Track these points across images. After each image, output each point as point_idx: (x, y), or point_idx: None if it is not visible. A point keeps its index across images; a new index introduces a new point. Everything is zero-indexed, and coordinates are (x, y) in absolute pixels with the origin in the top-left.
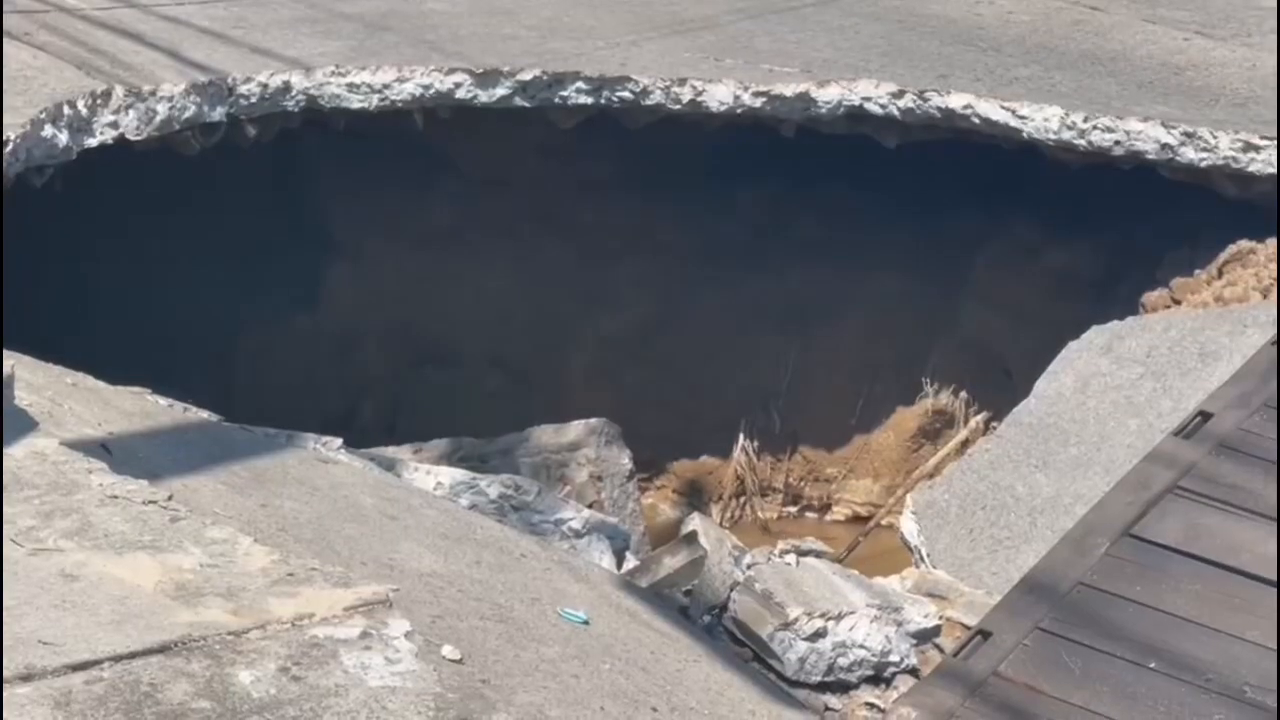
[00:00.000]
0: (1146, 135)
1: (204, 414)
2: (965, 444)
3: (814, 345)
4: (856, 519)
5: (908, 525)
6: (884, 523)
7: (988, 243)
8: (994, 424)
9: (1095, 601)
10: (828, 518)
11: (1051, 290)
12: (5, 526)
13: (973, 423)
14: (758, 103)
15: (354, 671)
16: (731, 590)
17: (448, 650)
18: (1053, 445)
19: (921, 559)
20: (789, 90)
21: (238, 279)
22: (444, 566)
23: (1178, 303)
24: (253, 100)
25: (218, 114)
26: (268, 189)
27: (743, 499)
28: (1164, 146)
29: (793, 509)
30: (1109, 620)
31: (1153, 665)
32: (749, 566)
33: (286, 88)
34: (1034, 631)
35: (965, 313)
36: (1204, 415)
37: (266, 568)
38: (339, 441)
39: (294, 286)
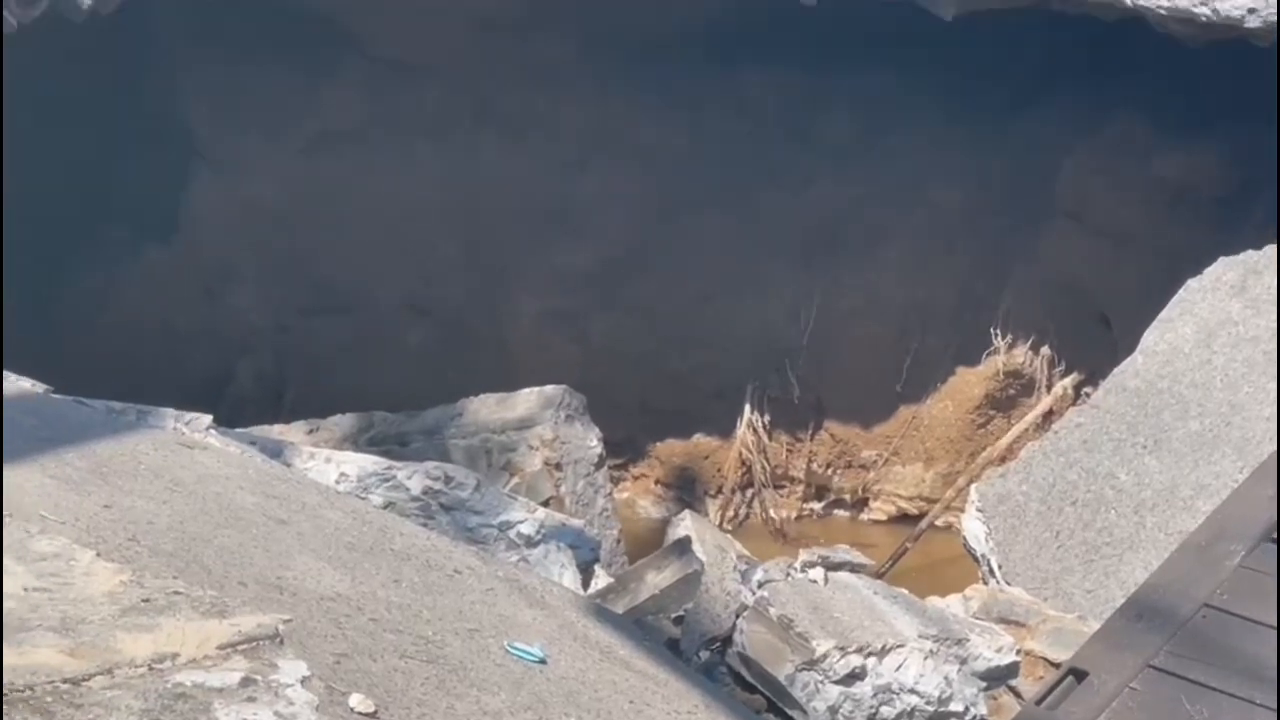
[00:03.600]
0: None
1: (25, 383)
2: (1048, 417)
3: (844, 283)
4: (903, 518)
5: (972, 527)
6: (940, 523)
7: (1078, 145)
8: (1087, 390)
9: (1226, 628)
10: (864, 516)
11: (1164, 208)
12: None
13: (1059, 388)
14: None
15: None
16: (738, 617)
17: (357, 701)
18: (1167, 418)
19: (991, 572)
20: None
21: (66, 198)
22: (351, 587)
23: None
24: None
25: None
26: (106, 77)
27: (750, 492)
28: None
29: (817, 505)
30: (1244, 654)
31: None
32: (761, 585)
33: None
34: (1145, 671)
35: (1047, 238)
36: None
37: (114, 592)
38: (208, 419)
39: (142, 207)
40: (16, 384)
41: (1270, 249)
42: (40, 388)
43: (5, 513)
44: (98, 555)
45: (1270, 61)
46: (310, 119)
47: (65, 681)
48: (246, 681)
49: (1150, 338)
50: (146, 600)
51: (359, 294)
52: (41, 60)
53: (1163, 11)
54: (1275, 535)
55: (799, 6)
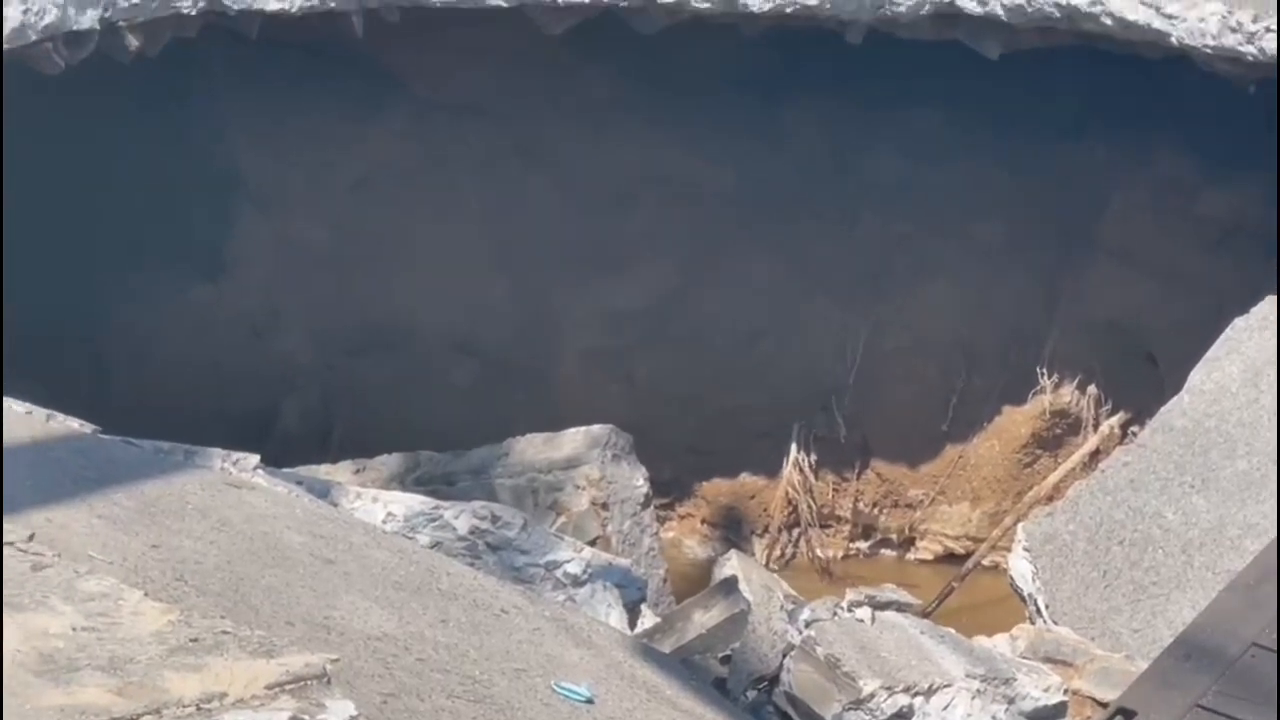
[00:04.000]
0: None
1: (74, 423)
2: (1095, 456)
3: (891, 321)
4: (949, 558)
5: (1019, 566)
6: (986, 562)
7: (1124, 183)
8: (1134, 429)
9: (1275, 668)
10: (911, 556)
11: (1210, 247)
12: None
13: (1105, 427)
14: None
15: None
16: (785, 656)
17: None
18: (1214, 457)
19: (1038, 611)
20: None
21: (116, 239)
22: (398, 627)
23: None
24: (134, 1)
25: (88, 19)
26: (155, 118)
27: (796, 531)
28: None
29: (864, 545)
30: None
31: None
32: (808, 624)
33: None
34: (1193, 711)
35: (1094, 277)
36: None
37: (162, 631)
38: (255, 459)
39: (191, 248)
40: (65, 424)
41: None
42: (89, 428)
43: (54, 553)
44: (145, 595)
45: None
46: (356, 159)
47: None
48: None
49: (1197, 376)
50: (194, 640)
51: (405, 333)
52: (89, 101)
53: (1208, 50)
54: None
55: (843, 44)
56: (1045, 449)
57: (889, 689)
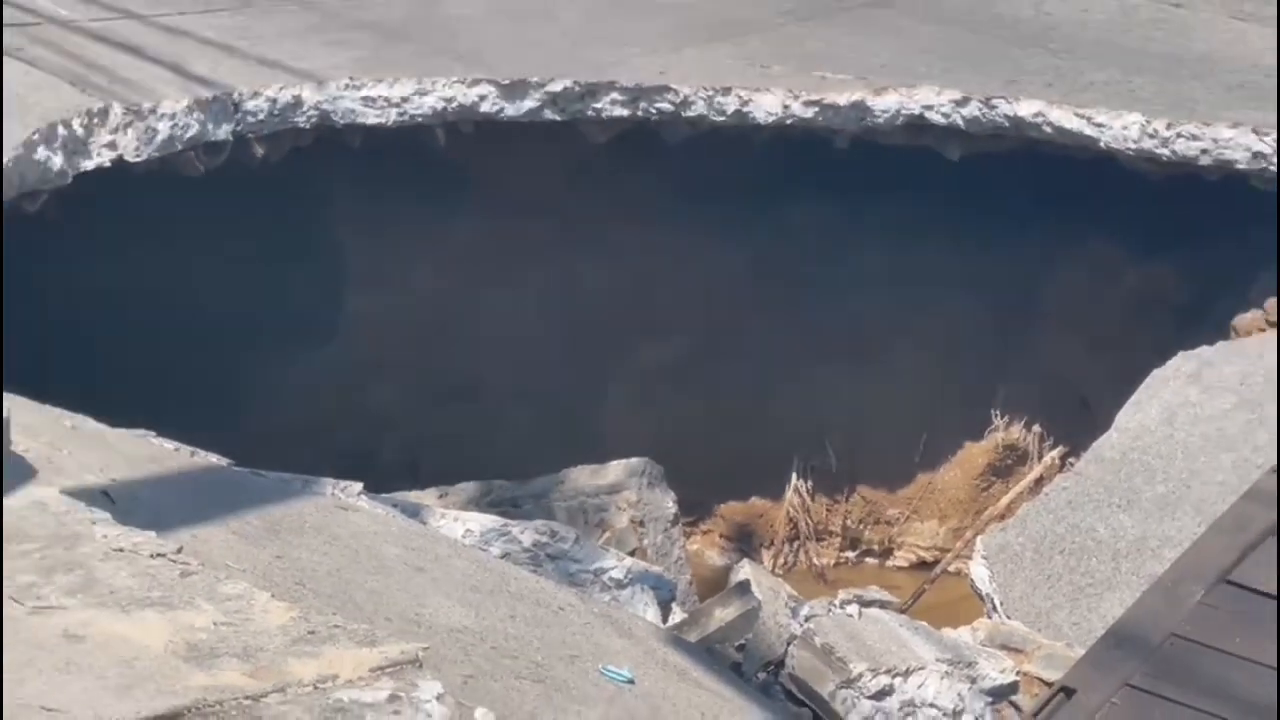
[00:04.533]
0: (1237, 143)
1: (213, 458)
2: (1040, 482)
3: (873, 376)
4: (921, 565)
5: (978, 571)
6: (952, 569)
7: (1061, 263)
8: (1071, 460)
9: (1190, 654)
10: (890, 564)
11: (1132, 313)
12: (4, 583)
13: (1048, 458)
14: (809, 113)
15: None
16: (789, 645)
17: (481, 713)
18: (1137, 483)
19: (994, 608)
20: (843, 99)
21: (246, 309)
22: (475, 621)
23: (1272, 326)
24: (260, 117)
25: (223, 132)
26: (278, 212)
27: (796, 544)
28: (1256, 155)
29: (851, 554)
30: (1205, 675)
31: None
32: (807, 619)
33: (297, 103)
34: (1122, 689)
35: (1038, 339)
36: None
37: (285, 625)
38: (358, 486)
39: (307, 317)
40: (205, 458)
41: (1221, 344)
42: (225, 462)
43: (198, 562)
44: (272, 596)
45: (1218, 191)
46: (437, 245)
47: (247, 698)
48: (393, 698)
49: (1123, 417)
50: (311, 632)
51: (480, 386)
52: (223, 198)
53: (1130, 152)
54: (1229, 577)
55: (833, 149)
56: (998, 476)
57: (873, 671)
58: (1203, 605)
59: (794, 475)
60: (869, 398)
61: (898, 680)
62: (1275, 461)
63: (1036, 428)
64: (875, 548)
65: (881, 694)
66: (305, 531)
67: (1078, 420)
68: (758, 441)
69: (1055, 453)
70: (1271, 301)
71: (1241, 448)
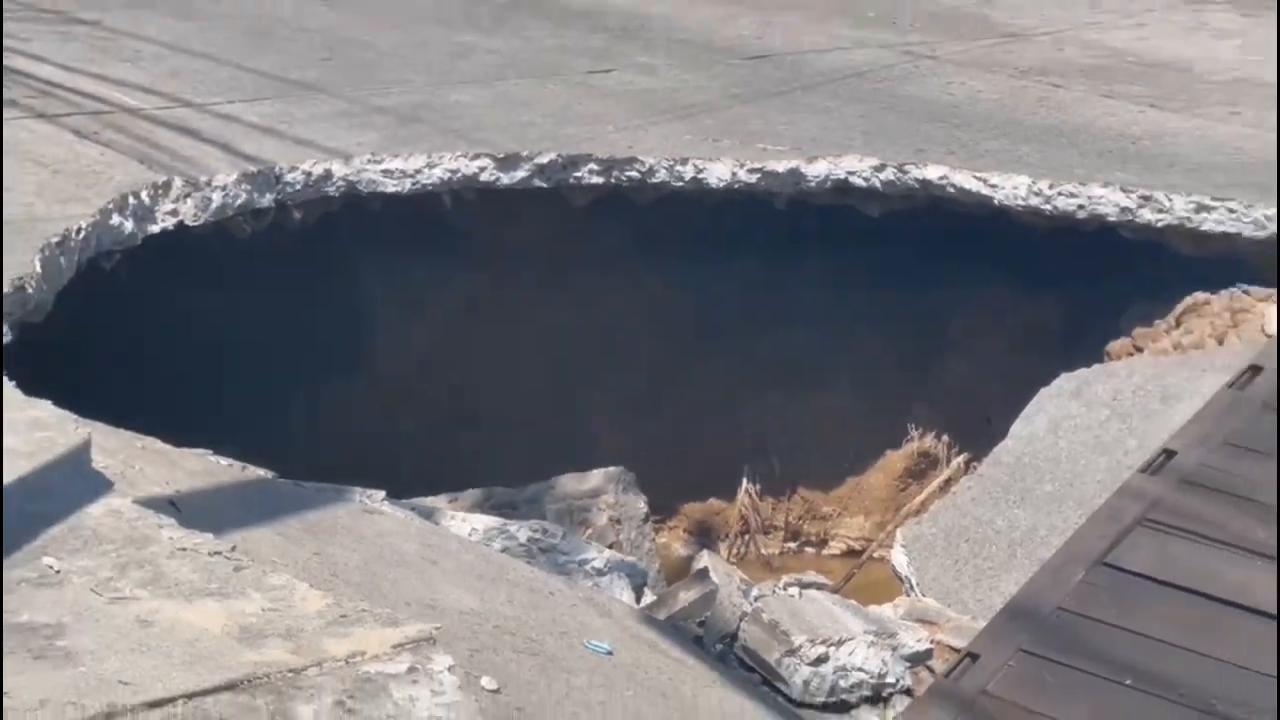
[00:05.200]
0: (1107, 199)
1: (261, 471)
2: (948, 482)
3: (809, 399)
4: (851, 553)
5: (898, 557)
6: (876, 556)
7: (964, 300)
8: (974, 464)
9: (1073, 625)
10: (825, 552)
11: (1023, 342)
12: (86, 578)
13: (955, 463)
14: (753, 179)
15: (403, 704)
16: (741, 620)
17: (486, 681)
18: (1029, 482)
19: (912, 588)
20: (780, 167)
21: (287, 349)
22: (480, 605)
23: (1140, 350)
24: (298, 187)
25: (266, 200)
26: (313, 267)
27: (747, 537)
28: (1123, 209)
29: (793, 545)
30: (1086, 642)
31: (1127, 682)
32: (756, 599)
33: (328, 175)
34: (1017, 653)
35: (945, 364)
36: (1168, 453)
37: (322, 610)
38: (383, 494)
39: (338, 355)
40: (254, 472)
41: (1097, 366)
42: (271, 475)
43: (249, 559)
44: (310, 586)
45: (1092, 239)
46: (445, 293)
47: (290, 671)
48: (411, 670)
49: (1016, 428)
50: (343, 616)
51: (484, 409)
52: (267, 256)
53: (1019, 208)
54: (1105, 560)
55: (773, 209)
56: (914, 479)
57: (812, 641)
58: (1083, 584)
59: (744, 480)
60: (805, 415)
61: (832, 649)
62: (1141, 465)
63: (945, 438)
64: (813, 539)
65: (818, 661)
66: (338, 532)
67: (979, 432)
68: (714, 453)
69: (961, 458)
70: (1138, 330)
71: (1115, 452)
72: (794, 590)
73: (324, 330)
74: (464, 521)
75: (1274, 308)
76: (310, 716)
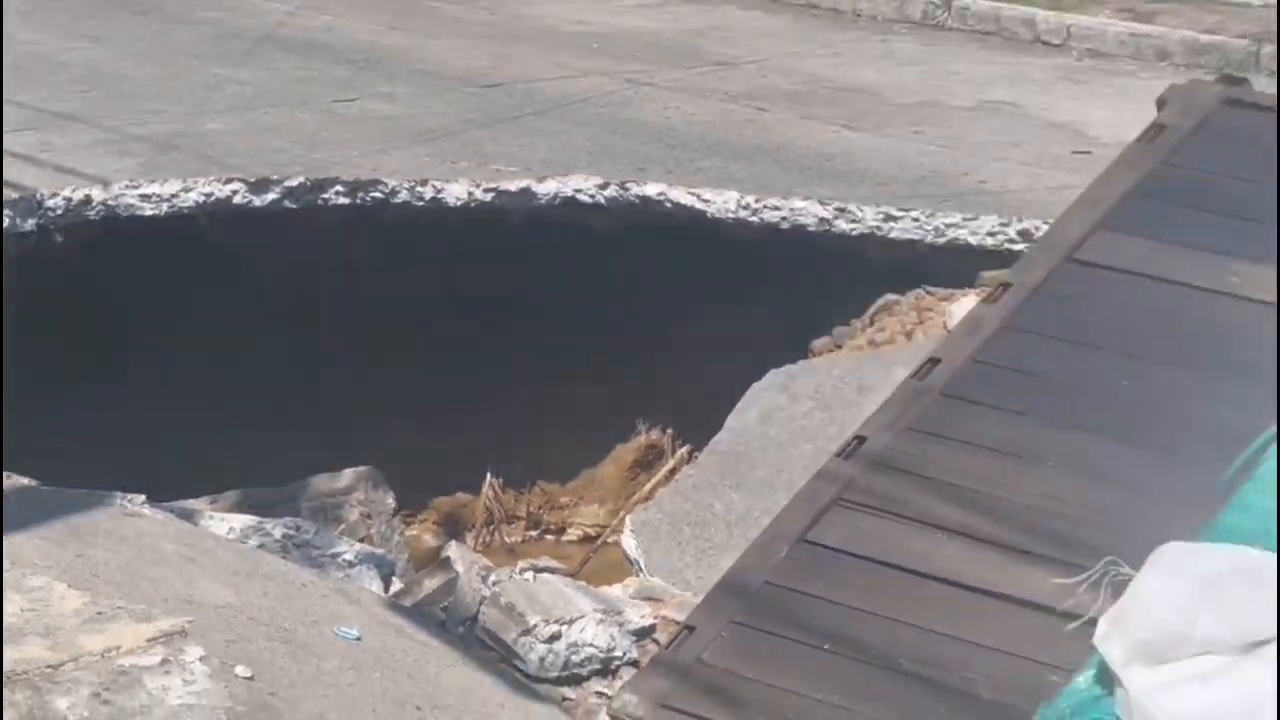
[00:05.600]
0: (807, 211)
1: (23, 480)
2: (673, 472)
3: (546, 399)
4: (587, 538)
5: (628, 541)
6: (610, 540)
7: (683, 306)
8: (696, 454)
9: (779, 598)
10: (564, 539)
11: (737, 342)
12: None
13: (679, 454)
14: (488, 197)
15: (156, 693)
16: (480, 604)
17: (240, 669)
18: (743, 469)
19: (640, 569)
20: (513, 186)
21: (55, 360)
22: (236, 598)
23: (839, 347)
24: (60, 212)
25: (29, 225)
26: (75, 286)
27: (492, 527)
28: (821, 220)
29: (534, 533)
30: (791, 612)
31: (827, 647)
32: (494, 583)
33: (88, 200)
34: (730, 624)
35: (669, 364)
36: (859, 439)
37: (79, 609)
38: (142, 497)
39: (103, 365)
40: (18, 480)
41: (802, 362)
42: (33, 482)
43: (10, 563)
44: (69, 586)
45: (795, 247)
46: (205, 309)
47: (47, 667)
48: (164, 661)
49: (732, 420)
50: (100, 613)
51: (242, 415)
52: (30, 277)
53: (730, 221)
54: (806, 537)
55: (509, 225)
56: (643, 469)
57: (545, 621)
58: (786, 559)
59: (489, 475)
60: (543, 414)
61: (564, 628)
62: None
63: (670, 431)
64: (552, 527)
65: (552, 639)
66: (100, 534)
67: (701, 424)
68: (461, 449)
69: (684, 450)
70: (838, 329)
71: (818, 439)
72: (529, 574)
73: (93, 343)
74: (222, 521)
75: (954, 305)
76: (66, 709)
